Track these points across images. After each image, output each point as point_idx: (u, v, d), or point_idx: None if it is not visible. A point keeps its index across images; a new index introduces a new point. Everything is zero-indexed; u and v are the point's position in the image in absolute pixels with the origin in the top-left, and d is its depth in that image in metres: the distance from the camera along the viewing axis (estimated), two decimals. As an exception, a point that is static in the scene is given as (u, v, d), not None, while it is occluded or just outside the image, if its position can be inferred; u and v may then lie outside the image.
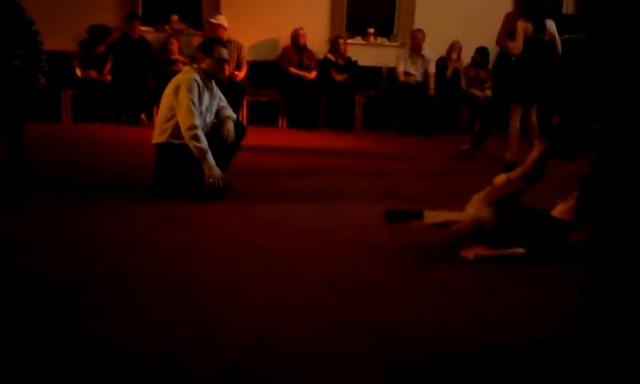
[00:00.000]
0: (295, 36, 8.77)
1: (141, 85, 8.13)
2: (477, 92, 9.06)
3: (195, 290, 2.90)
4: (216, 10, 8.70)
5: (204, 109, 4.69)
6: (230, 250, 3.49)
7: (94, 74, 8.06)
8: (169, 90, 4.65)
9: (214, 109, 4.85)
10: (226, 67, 8.22)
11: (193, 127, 4.49)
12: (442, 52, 9.12)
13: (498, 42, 6.89)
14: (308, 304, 2.79)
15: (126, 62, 8.16)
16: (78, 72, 8.03)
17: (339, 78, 8.77)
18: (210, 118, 4.79)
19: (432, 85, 8.87)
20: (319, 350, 2.37)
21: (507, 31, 6.71)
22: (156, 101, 8.16)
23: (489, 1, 9.03)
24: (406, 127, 8.77)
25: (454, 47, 9.08)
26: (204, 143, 4.53)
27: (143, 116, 8.15)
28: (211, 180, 4.51)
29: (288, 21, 8.82)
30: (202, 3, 9.01)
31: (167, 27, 8.72)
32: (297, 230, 3.93)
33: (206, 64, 4.71)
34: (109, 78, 8.09)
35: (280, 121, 8.80)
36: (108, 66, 8.16)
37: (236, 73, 8.18)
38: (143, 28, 8.56)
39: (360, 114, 8.99)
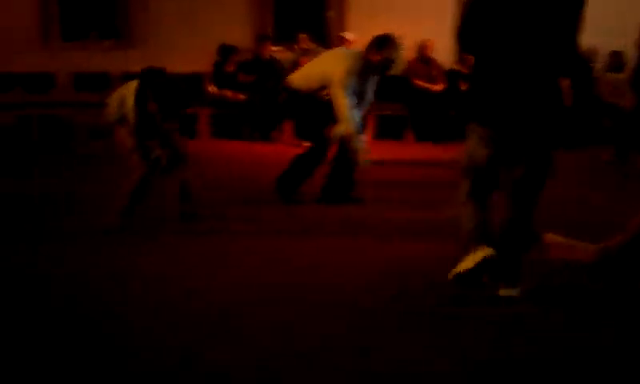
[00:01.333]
0: (422, 48, 8.73)
1: (271, 103, 8.43)
2: (616, 99, 8.54)
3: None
4: (342, 28, 8.87)
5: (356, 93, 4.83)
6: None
7: (229, 93, 8.46)
8: (331, 59, 4.94)
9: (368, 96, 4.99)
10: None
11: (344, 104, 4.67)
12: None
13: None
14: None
15: (257, 81, 8.51)
16: (213, 91, 8.46)
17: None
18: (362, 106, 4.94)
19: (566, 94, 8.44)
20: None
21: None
22: (286, 118, 8.48)
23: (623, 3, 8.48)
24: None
25: (589, 52, 8.61)
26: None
27: (275, 133, 8.44)
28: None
29: (414, 33, 8.77)
30: (328, 21, 9.21)
31: (295, 46, 8.99)
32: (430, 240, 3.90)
33: (373, 57, 4.88)
34: (242, 97, 8.46)
35: (407, 134, 8.77)
36: (241, 84, 8.55)
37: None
38: (273, 48, 8.87)
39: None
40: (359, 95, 4.84)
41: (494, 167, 3.05)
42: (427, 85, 8.66)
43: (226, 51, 8.49)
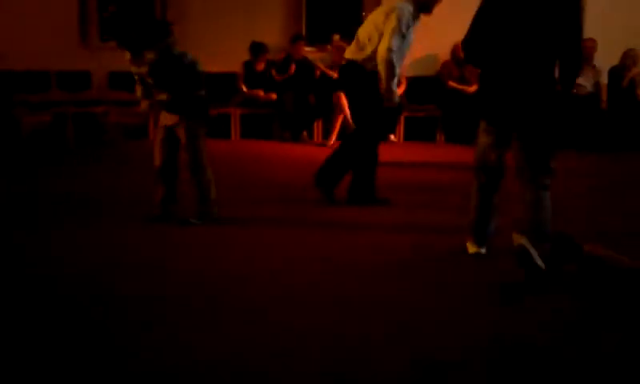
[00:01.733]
0: (456, 50, 8.61)
1: (303, 104, 8.45)
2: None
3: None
4: (376, 28, 8.82)
5: (407, 43, 4.77)
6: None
7: (260, 93, 8.49)
8: (379, 15, 4.81)
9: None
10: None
11: (390, 50, 4.60)
12: (615, 60, 8.45)
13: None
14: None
15: (289, 81, 8.52)
16: (244, 89, 8.50)
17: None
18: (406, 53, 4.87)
19: (604, 97, 8.24)
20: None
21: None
22: (317, 118, 8.48)
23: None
24: (580, 142, 8.12)
25: (629, 54, 8.38)
26: (396, 69, 4.70)
27: (305, 133, 8.45)
28: (390, 103, 4.78)
29: (449, 35, 8.67)
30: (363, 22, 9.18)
31: (329, 47, 8.97)
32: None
33: None
34: (274, 96, 8.49)
35: (438, 136, 8.68)
36: (273, 83, 8.57)
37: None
38: (307, 48, 8.88)
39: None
40: (405, 43, 4.76)
41: (501, 161, 3.57)
42: (461, 86, 8.55)
43: (256, 49, 8.51)
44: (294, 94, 8.45)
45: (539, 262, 3.18)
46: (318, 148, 7.88)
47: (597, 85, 8.38)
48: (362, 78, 4.83)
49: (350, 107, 5.24)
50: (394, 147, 8.13)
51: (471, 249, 3.70)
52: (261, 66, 8.57)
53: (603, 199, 5.34)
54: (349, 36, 9.10)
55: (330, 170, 5.00)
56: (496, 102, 3.46)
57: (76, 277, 3.29)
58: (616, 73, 8.45)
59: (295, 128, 8.49)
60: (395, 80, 4.72)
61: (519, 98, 3.36)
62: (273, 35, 8.89)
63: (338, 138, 7.90)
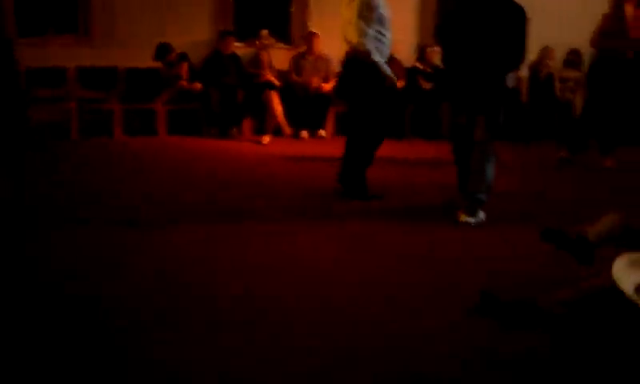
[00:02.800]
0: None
1: (231, 99, 8.37)
2: (571, 96, 8.70)
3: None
4: (304, 24, 8.86)
5: (381, 20, 4.75)
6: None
7: (184, 83, 8.33)
8: (345, 6, 4.81)
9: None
10: (313, 80, 8.41)
11: (361, 36, 4.64)
12: (534, 56, 8.81)
13: (595, 45, 6.58)
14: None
15: (217, 77, 8.42)
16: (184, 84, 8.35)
17: (427, 86, 8.65)
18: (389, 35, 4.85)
19: (524, 90, 8.58)
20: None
21: (605, 32, 6.41)
22: (246, 114, 8.42)
23: (580, 1, 8.61)
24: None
25: (546, 50, 8.76)
26: (382, 49, 4.71)
27: (234, 129, 8.38)
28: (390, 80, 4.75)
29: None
30: (291, 18, 9.19)
31: (257, 42, 8.93)
32: (394, 248, 3.91)
33: None
34: (198, 86, 8.34)
35: (367, 131, 8.79)
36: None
37: (323, 84, 8.42)
38: (236, 44, 8.80)
39: (447, 123, 8.82)
40: (379, 21, 4.73)
41: (467, 132, 4.34)
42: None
43: (162, 51, 8.30)
44: (222, 90, 8.35)
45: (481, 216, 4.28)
46: (249, 144, 7.85)
47: (517, 79, 8.71)
48: (359, 70, 4.83)
49: (354, 101, 5.07)
50: (324, 142, 8.19)
51: (462, 218, 4.30)
52: (177, 71, 8.38)
53: (520, 185, 5.59)
54: (277, 32, 9.15)
55: (348, 170, 4.99)
56: (457, 85, 4.40)
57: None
58: (535, 68, 8.81)
59: (223, 124, 8.39)
60: (387, 68, 4.80)
61: (475, 84, 4.27)
62: (202, 31, 8.77)
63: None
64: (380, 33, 4.69)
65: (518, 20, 4.21)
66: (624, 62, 6.28)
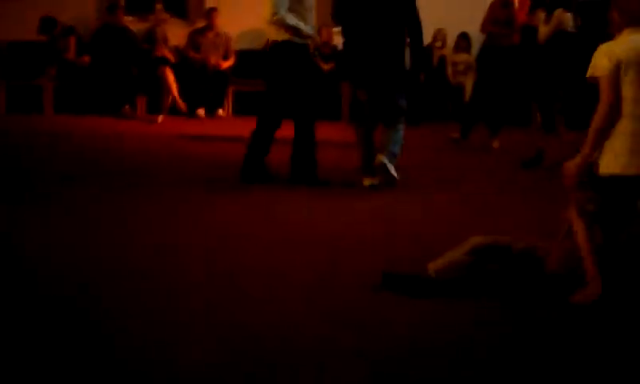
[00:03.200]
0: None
1: (124, 75, 8.03)
2: (462, 79, 9.04)
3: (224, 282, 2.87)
4: (201, 1, 8.64)
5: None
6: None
7: (86, 58, 7.94)
8: None
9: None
10: (211, 57, 8.23)
11: (274, 13, 4.57)
12: (427, 40, 9.06)
13: (484, 30, 6.87)
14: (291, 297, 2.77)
15: (108, 51, 8.05)
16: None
17: (326, 67, 8.69)
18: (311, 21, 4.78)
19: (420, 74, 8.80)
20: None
21: (493, 19, 6.70)
22: (140, 91, 8.11)
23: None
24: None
25: (439, 34, 9.03)
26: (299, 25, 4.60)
27: (127, 107, 8.06)
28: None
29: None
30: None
31: (151, 16, 8.61)
32: (285, 222, 3.90)
33: None
34: (87, 59, 7.95)
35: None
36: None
37: (222, 62, 8.26)
38: (127, 17, 8.46)
39: (347, 104, 8.92)
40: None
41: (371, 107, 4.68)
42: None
43: (47, 25, 7.85)
44: (113, 66, 7.99)
45: (393, 172, 4.55)
46: (142, 123, 7.59)
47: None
48: (278, 53, 4.76)
49: (284, 86, 4.88)
50: (223, 121, 8.06)
51: (366, 182, 4.68)
52: (63, 45, 7.94)
53: (419, 160, 5.77)
54: (172, 6, 8.85)
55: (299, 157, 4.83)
56: (358, 66, 4.69)
57: None
58: (427, 51, 9.07)
59: (115, 102, 8.05)
60: (307, 28, 4.69)
61: (376, 64, 4.60)
62: (89, 4, 8.36)
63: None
64: (298, 14, 4.64)
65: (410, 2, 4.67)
66: (511, 47, 6.60)
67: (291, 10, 4.60)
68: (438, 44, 9.06)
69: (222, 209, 4.20)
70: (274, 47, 4.78)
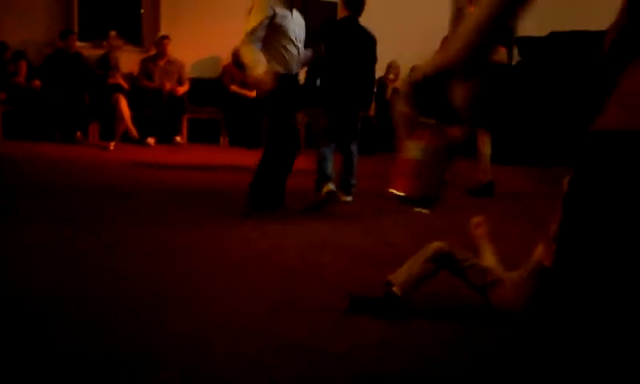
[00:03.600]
0: (237, 53, 8.74)
1: (76, 101, 7.92)
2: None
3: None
4: (156, 28, 8.64)
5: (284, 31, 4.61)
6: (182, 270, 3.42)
7: (36, 82, 7.79)
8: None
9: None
10: (167, 83, 8.20)
11: (248, 34, 4.51)
12: (381, 72, 9.25)
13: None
14: (259, 325, 2.75)
15: (60, 77, 7.94)
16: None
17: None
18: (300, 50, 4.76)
19: (372, 105, 8.96)
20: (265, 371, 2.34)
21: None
22: (92, 118, 8.00)
23: (424, 22, 9.19)
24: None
25: (392, 67, 9.23)
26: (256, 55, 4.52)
27: (79, 133, 7.94)
28: (263, 84, 4.51)
29: (230, 38, 8.77)
30: (142, 20, 8.91)
31: (105, 43, 8.55)
32: (244, 249, 3.89)
33: None
34: (38, 83, 7.81)
35: (221, 139, 8.73)
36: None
37: (177, 88, 8.28)
38: (80, 43, 8.38)
39: (303, 132, 8.99)
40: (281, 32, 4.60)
41: (336, 132, 5.21)
42: (243, 90, 8.68)
43: None
44: (65, 92, 7.88)
45: (349, 199, 5.25)
46: (95, 150, 7.48)
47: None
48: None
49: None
50: (179, 150, 8.02)
51: (343, 198, 5.19)
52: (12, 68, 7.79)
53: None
54: (126, 34, 8.80)
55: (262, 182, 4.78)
56: (334, 98, 5.17)
57: None
58: (381, 84, 9.24)
59: (67, 128, 7.92)
60: (259, 66, 4.54)
61: (351, 96, 5.21)
62: (40, 29, 8.25)
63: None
64: (284, 46, 4.61)
65: (373, 46, 5.31)
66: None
67: (271, 41, 4.56)
68: (391, 77, 9.26)
69: (185, 236, 4.15)
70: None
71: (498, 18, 1.12)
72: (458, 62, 1.15)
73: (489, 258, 3.03)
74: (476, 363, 2.55)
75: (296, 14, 4.75)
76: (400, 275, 2.86)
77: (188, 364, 2.35)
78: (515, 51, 6.40)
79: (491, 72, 6.12)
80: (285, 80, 4.64)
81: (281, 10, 4.57)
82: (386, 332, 2.71)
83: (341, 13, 5.51)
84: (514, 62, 6.41)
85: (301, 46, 4.77)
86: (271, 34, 4.55)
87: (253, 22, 4.53)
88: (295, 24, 4.70)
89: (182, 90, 8.36)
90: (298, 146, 4.88)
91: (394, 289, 2.83)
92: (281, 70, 4.62)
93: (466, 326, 2.84)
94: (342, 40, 5.13)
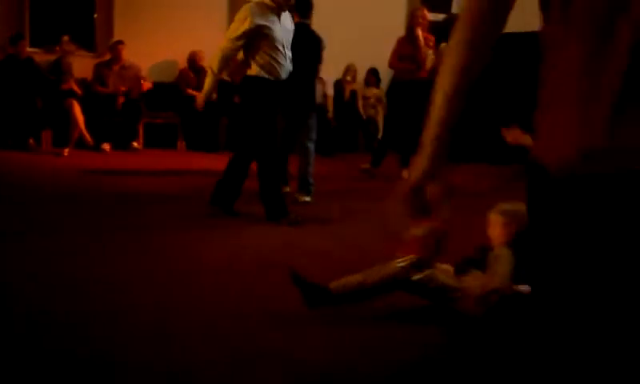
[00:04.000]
0: (193, 58, 8.68)
1: (28, 107, 7.73)
2: (372, 112, 9.32)
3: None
4: (109, 33, 8.51)
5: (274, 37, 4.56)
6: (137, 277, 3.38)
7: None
8: None
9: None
10: (121, 90, 8.07)
11: (228, 39, 4.51)
12: (338, 75, 9.31)
13: (392, 66, 7.11)
14: (209, 333, 2.73)
15: (12, 83, 7.74)
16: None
17: (239, 99, 8.70)
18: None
19: (330, 107, 9.02)
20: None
21: (399, 55, 6.95)
22: (45, 124, 7.82)
23: (380, 23, 9.25)
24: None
25: (349, 70, 9.30)
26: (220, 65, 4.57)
27: (31, 140, 7.75)
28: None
29: (185, 43, 8.72)
30: (95, 25, 8.76)
31: (57, 48, 8.37)
32: (197, 255, 3.86)
33: None
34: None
35: (179, 143, 8.64)
36: None
37: (132, 93, 8.19)
38: (31, 49, 8.20)
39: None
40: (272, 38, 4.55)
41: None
42: (199, 94, 8.61)
43: None
44: (16, 98, 7.68)
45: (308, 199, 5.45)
46: (48, 157, 7.32)
47: (324, 96, 9.13)
48: (242, 87, 4.79)
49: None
50: (135, 155, 7.91)
51: (301, 198, 5.43)
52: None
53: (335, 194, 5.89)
54: (79, 39, 8.64)
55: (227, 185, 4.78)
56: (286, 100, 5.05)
57: None
58: (339, 86, 9.31)
59: (20, 135, 7.72)
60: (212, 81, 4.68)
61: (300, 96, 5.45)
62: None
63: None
64: (270, 54, 4.54)
65: (319, 48, 5.64)
66: (418, 82, 6.75)
67: (258, 48, 4.52)
68: (349, 78, 9.33)
69: (144, 241, 4.10)
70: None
71: (462, 91, 1.18)
72: (427, 171, 1.25)
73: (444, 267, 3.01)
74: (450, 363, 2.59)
75: (285, 17, 4.70)
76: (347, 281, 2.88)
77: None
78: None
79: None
80: (271, 86, 4.60)
81: (267, 19, 4.50)
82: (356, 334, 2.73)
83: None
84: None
85: (288, 52, 4.72)
86: (258, 41, 4.52)
87: (235, 29, 4.50)
88: (283, 30, 4.65)
89: (147, 85, 8.25)
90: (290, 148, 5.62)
91: (332, 285, 2.86)
92: (268, 76, 4.57)
93: (426, 328, 2.88)
94: (293, 45, 4.93)
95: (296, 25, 5.13)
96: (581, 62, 1.03)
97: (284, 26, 4.65)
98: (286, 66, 4.68)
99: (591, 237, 0.99)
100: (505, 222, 2.94)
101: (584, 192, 1.00)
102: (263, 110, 4.60)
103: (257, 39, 4.50)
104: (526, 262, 2.73)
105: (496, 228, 2.99)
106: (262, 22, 4.46)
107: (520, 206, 2.83)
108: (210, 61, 4.74)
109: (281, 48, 4.61)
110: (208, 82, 4.67)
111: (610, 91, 1.00)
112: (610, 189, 0.98)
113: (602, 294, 0.99)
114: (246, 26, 4.44)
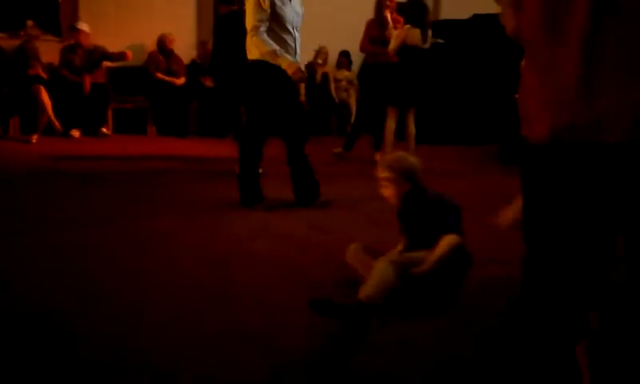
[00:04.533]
0: (162, 41, 8.57)
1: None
2: (345, 95, 9.32)
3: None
4: (74, 17, 8.34)
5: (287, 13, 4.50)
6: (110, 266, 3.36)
7: None
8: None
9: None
10: (87, 74, 7.91)
11: (254, 28, 4.41)
12: (309, 57, 9.28)
13: (362, 49, 7.11)
14: (188, 317, 2.74)
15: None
16: None
17: (209, 83, 8.65)
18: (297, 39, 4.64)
19: (302, 90, 8.99)
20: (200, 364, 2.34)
21: (370, 38, 6.95)
22: (12, 111, 7.67)
23: (350, 5, 9.22)
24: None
25: (320, 52, 9.27)
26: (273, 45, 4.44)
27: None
28: (296, 74, 4.48)
29: (153, 26, 8.60)
30: (60, 9, 8.58)
31: (22, 33, 8.19)
32: (173, 242, 3.84)
33: None
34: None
35: (149, 128, 8.55)
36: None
37: (99, 78, 8.06)
38: (-4, 35, 8.02)
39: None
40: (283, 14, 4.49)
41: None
42: (168, 78, 8.53)
43: None
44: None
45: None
46: (16, 144, 7.19)
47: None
48: (245, 71, 4.67)
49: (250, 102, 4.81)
50: (105, 141, 7.81)
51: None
52: None
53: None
54: (44, 23, 8.45)
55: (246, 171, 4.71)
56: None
57: None
58: (311, 68, 9.27)
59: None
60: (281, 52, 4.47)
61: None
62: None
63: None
64: (280, 36, 4.50)
65: None
66: (389, 64, 6.75)
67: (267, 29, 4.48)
68: (320, 61, 9.31)
69: (154, 223, 4.07)
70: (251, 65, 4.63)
71: None
72: None
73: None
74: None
75: (295, 0, 4.67)
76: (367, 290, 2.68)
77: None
78: (430, 33, 6.50)
79: (404, 55, 6.29)
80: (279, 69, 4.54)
81: None
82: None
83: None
84: (429, 44, 6.52)
85: (298, 34, 4.67)
86: (269, 22, 4.49)
87: (256, 14, 4.43)
88: (293, 12, 4.61)
89: (103, 79, 8.10)
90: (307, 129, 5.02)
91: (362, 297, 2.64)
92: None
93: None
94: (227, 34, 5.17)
95: (228, 14, 5.20)
96: (542, 35, 1.33)
97: (294, 9, 4.64)
98: (296, 48, 4.65)
99: (560, 188, 1.41)
100: (391, 177, 2.96)
101: (555, 158, 1.40)
102: (281, 90, 4.58)
103: (269, 22, 4.49)
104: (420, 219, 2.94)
105: (389, 187, 2.99)
106: (276, 0, 4.48)
107: (401, 153, 3.03)
108: (261, 53, 4.50)
109: (291, 29, 4.60)
110: (282, 60, 4.47)
111: (572, 64, 1.27)
112: (572, 157, 1.37)
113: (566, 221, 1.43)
114: (265, 4, 4.42)
